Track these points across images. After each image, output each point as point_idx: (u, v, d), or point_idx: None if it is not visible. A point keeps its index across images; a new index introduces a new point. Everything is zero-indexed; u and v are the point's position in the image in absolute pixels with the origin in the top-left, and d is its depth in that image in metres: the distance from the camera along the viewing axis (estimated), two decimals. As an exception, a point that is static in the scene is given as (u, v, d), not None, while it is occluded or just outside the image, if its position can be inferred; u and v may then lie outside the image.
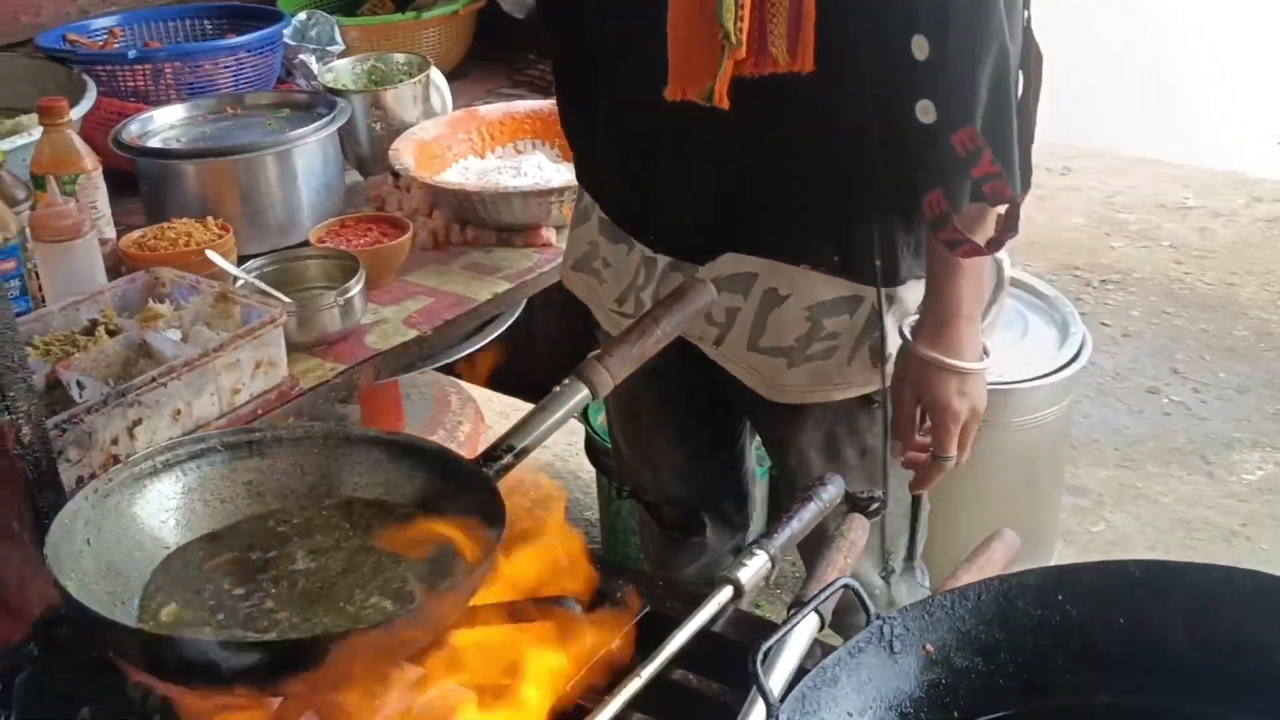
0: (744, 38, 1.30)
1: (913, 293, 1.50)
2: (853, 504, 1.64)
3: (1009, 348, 2.52)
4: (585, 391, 1.30)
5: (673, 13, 1.34)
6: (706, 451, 1.80)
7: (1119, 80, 5.57)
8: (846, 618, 1.22)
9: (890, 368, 1.53)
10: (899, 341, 1.50)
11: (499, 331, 2.16)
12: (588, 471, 2.74)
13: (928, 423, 1.51)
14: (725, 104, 1.34)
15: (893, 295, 1.49)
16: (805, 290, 1.48)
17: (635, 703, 1.07)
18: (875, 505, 1.63)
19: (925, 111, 1.30)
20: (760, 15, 1.29)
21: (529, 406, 1.31)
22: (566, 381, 1.30)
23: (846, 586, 0.97)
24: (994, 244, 1.40)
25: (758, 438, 1.88)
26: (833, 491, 1.31)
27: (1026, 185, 1.36)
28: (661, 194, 1.51)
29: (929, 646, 0.97)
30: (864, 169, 1.41)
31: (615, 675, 1.10)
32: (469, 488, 1.21)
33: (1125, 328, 3.93)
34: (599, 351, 1.32)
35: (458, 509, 1.20)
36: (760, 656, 0.90)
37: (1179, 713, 0.95)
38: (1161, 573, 0.97)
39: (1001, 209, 1.37)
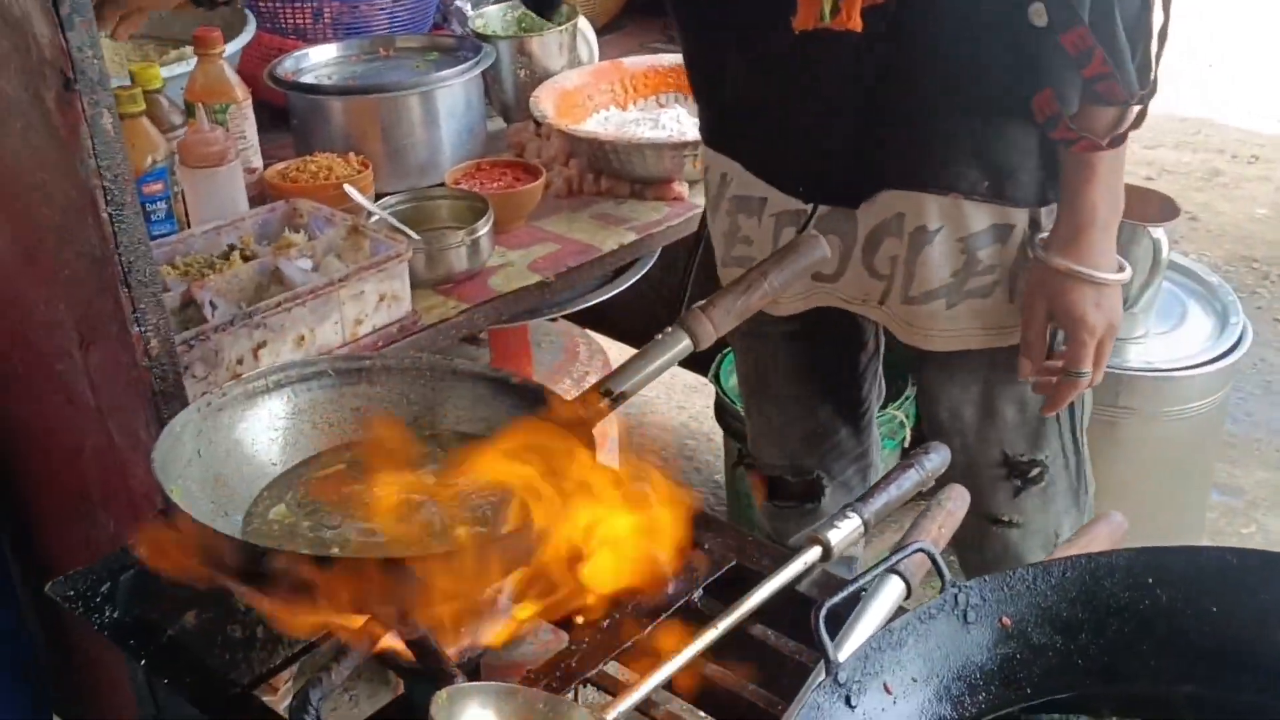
0: None
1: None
2: (1010, 468, 1.60)
3: (1163, 334, 2.42)
4: (687, 341, 1.29)
5: None
6: (835, 419, 1.78)
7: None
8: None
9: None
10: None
11: (629, 283, 2.16)
12: (720, 433, 2.73)
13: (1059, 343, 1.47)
14: (857, 25, 1.31)
15: (1037, 217, 1.45)
16: (956, 220, 1.44)
17: (712, 652, 1.07)
18: (1037, 470, 1.59)
19: (1038, 15, 1.29)
20: None
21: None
22: (669, 330, 1.30)
23: (921, 550, 0.94)
24: (1115, 140, 1.36)
25: (880, 404, 1.85)
26: (936, 461, 1.27)
27: (1144, 85, 1.33)
28: (803, 137, 1.48)
29: (1006, 619, 0.94)
30: (995, 80, 1.38)
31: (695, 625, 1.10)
32: (567, 426, 1.22)
33: (1301, 325, 3.73)
34: (703, 302, 1.31)
35: (554, 447, 1.21)
36: (823, 613, 0.88)
37: (1268, 711, 0.90)
38: (1261, 562, 0.92)
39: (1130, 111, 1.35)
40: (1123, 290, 1.46)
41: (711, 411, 2.73)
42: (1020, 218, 1.44)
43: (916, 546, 0.95)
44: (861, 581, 0.92)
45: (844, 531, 1.15)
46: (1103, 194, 1.38)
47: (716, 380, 2.65)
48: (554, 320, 2.48)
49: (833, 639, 0.91)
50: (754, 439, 1.86)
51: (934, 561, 0.94)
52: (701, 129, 1.64)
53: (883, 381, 1.83)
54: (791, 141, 1.49)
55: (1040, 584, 0.94)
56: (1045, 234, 1.44)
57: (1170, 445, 2.42)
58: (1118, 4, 1.28)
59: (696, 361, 2.79)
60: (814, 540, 1.14)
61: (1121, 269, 1.43)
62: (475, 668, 1.15)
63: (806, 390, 1.74)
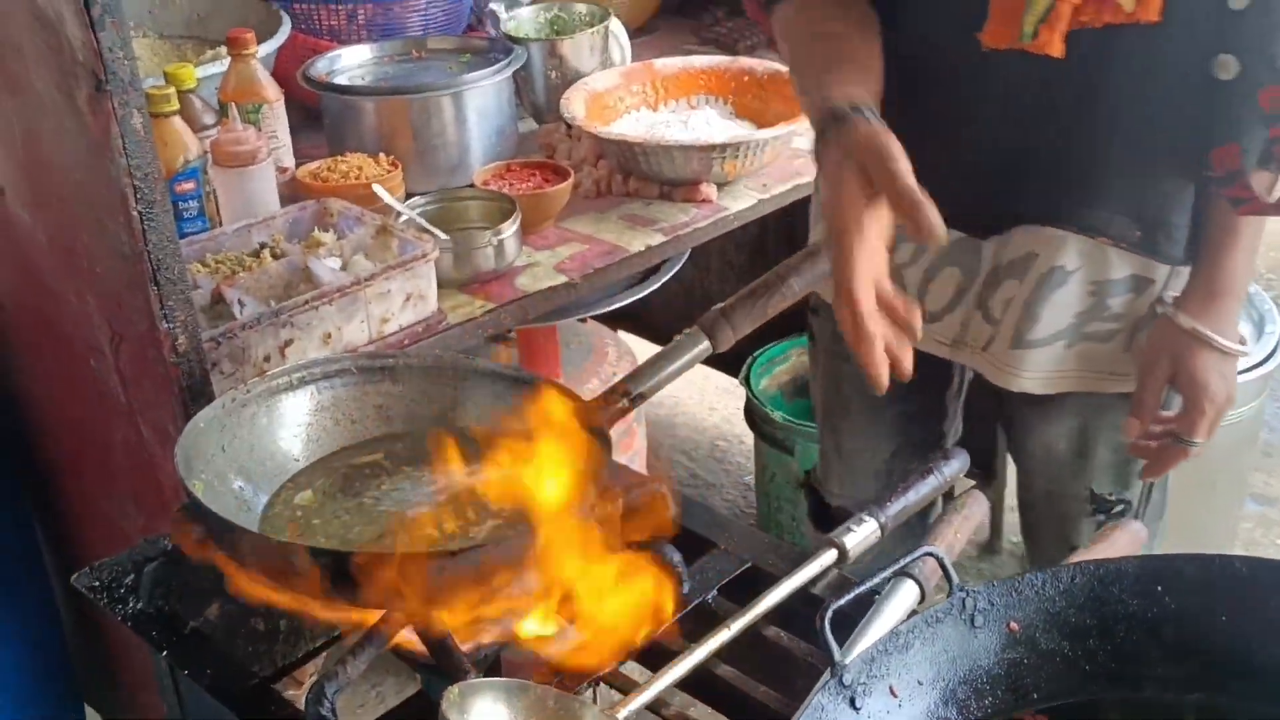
0: None
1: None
2: (1097, 504, 1.58)
3: (1196, 341, 2.40)
4: (706, 343, 1.29)
5: None
6: (910, 453, 1.71)
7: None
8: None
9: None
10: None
11: (659, 284, 2.17)
12: (751, 436, 2.74)
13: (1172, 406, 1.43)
14: (1058, 50, 1.25)
15: (1177, 275, 1.40)
16: (1096, 264, 1.39)
17: (724, 653, 1.08)
18: (1121, 508, 1.58)
19: (1224, 68, 1.22)
20: None
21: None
22: (688, 331, 1.30)
23: (930, 554, 0.94)
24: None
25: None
26: (955, 466, 1.27)
27: None
28: (950, 155, 1.39)
29: (1014, 624, 0.94)
30: (1166, 129, 1.32)
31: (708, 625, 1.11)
32: (585, 427, 1.23)
33: (1344, 334, 3.67)
34: (723, 305, 1.31)
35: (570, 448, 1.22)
36: (828, 615, 0.89)
37: (1276, 721, 0.89)
38: (1270, 572, 0.92)
39: None
40: None
41: (742, 414, 2.74)
42: (1162, 273, 1.39)
43: (925, 550, 0.95)
44: (869, 585, 0.93)
45: (860, 535, 1.16)
46: (1244, 259, 1.35)
47: (747, 383, 2.66)
48: (583, 321, 2.50)
49: (842, 642, 0.92)
50: (823, 461, 1.80)
51: (942, 566, 0.94)
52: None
53: (960, 421, 1.77)
54: (937, 154, 1.38)
55: (1049, 590, 0.94)
56: (1175, 292, 1.39)
57: (1204, 454, 2.39)
58: None
59: (728, 363, 2.81)
60: (830, 543, 1.15)
61: (1243, 341, 1.39)
62: (495, 663, 1.16)
63: (884, 419, 1.67)
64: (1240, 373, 2.30)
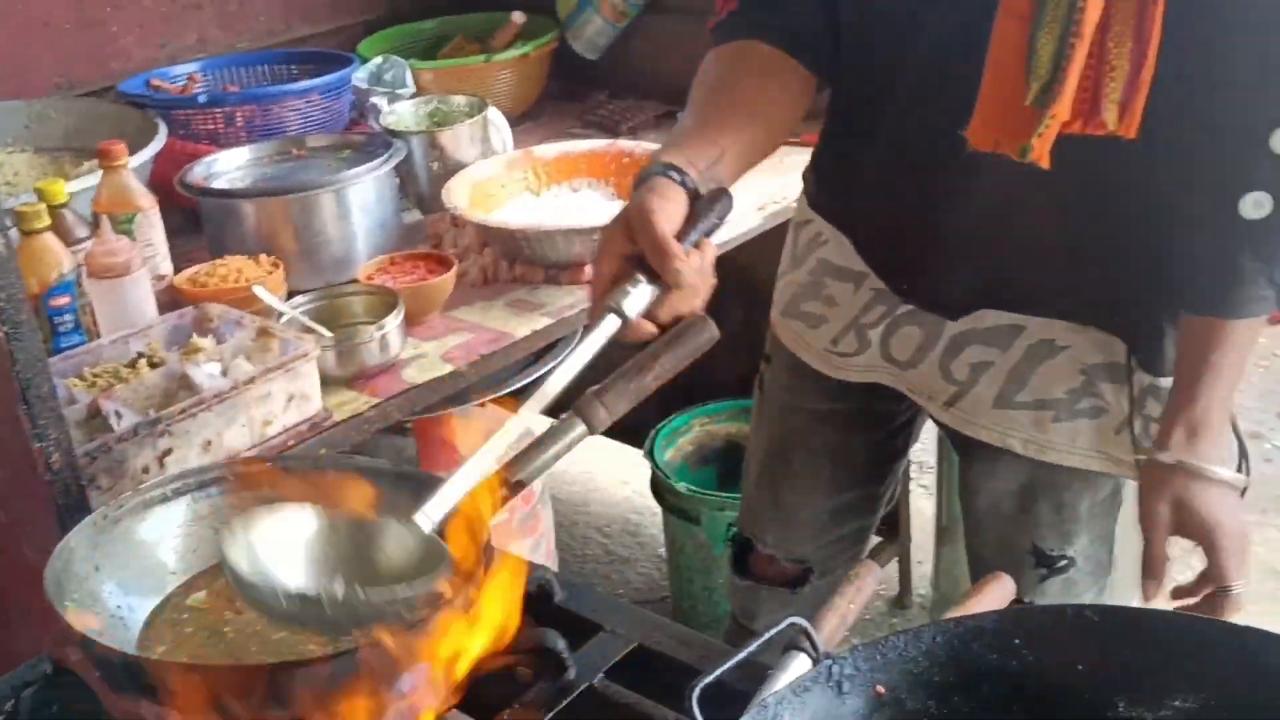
0: (1070, 95, 1.21)
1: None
2: (1039, 558, 1.60)
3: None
4: (582, 428, 1.31)
5: (993, 55, 1.23)
6: (847, 511, 1.73)
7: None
8: None
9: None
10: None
11: (555, 364, 2.18)
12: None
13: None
14: (1045, 161, 1.24)
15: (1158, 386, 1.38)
16: (1083, 347, 1.40)
17: (568, 715, 1.09)
18: (1064, 563, 1.59)
19: (1256, 206, 1.21)
20: (1098, 71, 1.21)
21: (595, 437, 1.32)
22: (564, 418, 1.32)
23: (794, 623, 0.96)
24: None
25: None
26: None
27: None
28: (929, 245, 1.42)
29: (880, 688, 0.95)
30: (1160, 252, 1.32)
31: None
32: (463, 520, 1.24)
33: (1232, 369, 3.79)
34: (597, 388, 1.33)
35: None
36: (696, 693, 0.90)
37: (1138, 766, 0.92)
38: (1122, 619, 0.94)
39: None
40: None
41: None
42: (1145, 379, 1.38)
43: (789, 621, 0.96)
44: (734, 660, 0.94)
45: (637, 295, 1.23)
46: (1224, 393, 1.29)
47: (651, 456, 2.67)
48: (482, 405, 2.50)
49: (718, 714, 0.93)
50: (755, 512, 1.77)
51: (807, 635, 0.96)
52: (813, 184, 1.58)
53: (898, 486, 1.81)
54: (915, 244, 1.44)
55: (911, 650, 0.96)
56: (1154, 414, 1.35)
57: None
58: None
59: (634, 435, 2.83)
60: (608, 308, 1.23)
61: (1242, 467, 1.34)
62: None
63: (825, 475, 1.69)
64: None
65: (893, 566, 2.76)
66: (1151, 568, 1.36)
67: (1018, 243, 1.37)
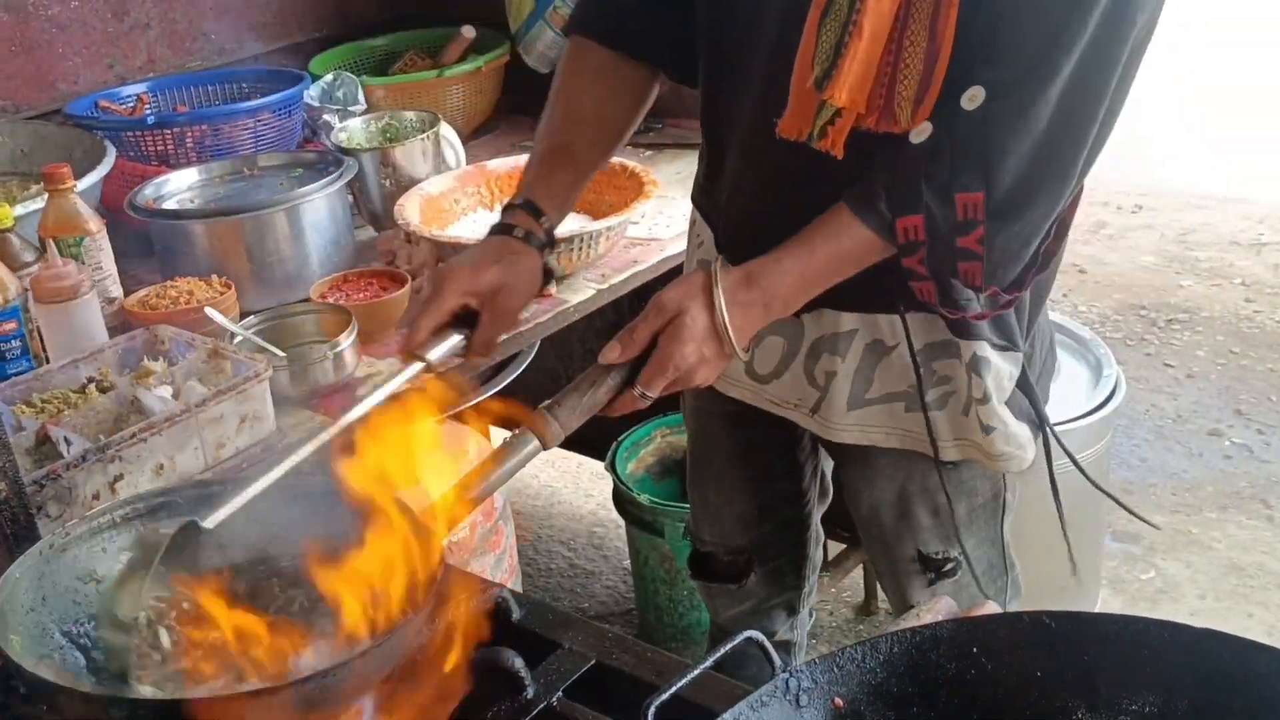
0: (849, 84, 1.27)
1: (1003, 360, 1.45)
2: (924, 563, 1.62)
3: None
4: (535, 443, 1.31)
5: (801, 45, 1.30)
6: (774, 505, 1.78)
7: (1196, 116, 5.46)
8: None
9: (1000, 443, 1.47)
10: (1001, 409, 1.45)
11: (512, 377, 2.17)
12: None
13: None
14: (839, 153, 1.31)
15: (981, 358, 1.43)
16: (913, 333, 1.44)
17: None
18: (950, 565, 1.62)
19: (920, 132, 1.27)
20: (892, 74, 1.27)
21: (556, 450, 1.33)
22: (516, 433, 1.31)
23: (750, 639, 0.95)
24: (961, 322, 1.37)
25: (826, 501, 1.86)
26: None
27: (1000, 282, 1.32)
28: (766, 235, 1.43)
29: (838, 700, 0.95)
30: None
31: None
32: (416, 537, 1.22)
33: (1190, 368, 3.83)
34: (549, 402, 1.32)
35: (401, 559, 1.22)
36: (652, 709, 0.89)
37: (1095, 771, 0.91)
38: (1077, 624, 0.94)
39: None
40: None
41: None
42: (971, 346, 1.43)
43: (745, 635, 0.96)
44: (687, 677, 0.93)
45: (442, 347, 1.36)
46: (794, 272, 1.33)
47: (613, 468, 2.66)
48: (440, 422, 2.48)
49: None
50: (692, 512, 1.87)
51: (763, 649, 0.95)
52: (695, 181, 1.62)
53: (826, 478, 1.83)
54: (755, 235, 1.45)
55: (869, 661, 0.96)
56: (731, 267, 1.35)
57: (1061, 494, 2.45)
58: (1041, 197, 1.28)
59: (598, 447, 2.82)
60: (415, 358, 1.35)
61: (747, 349, 1.36)
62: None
63: (745, 473, 1.76)
64: (1080, 417, 2.41)
65: (857, 573, 2.76)
66: (626, 336, 1.33)
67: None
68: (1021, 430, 1.49)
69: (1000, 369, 1.45)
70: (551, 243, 1.48)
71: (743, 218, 1.50)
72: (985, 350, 1.43)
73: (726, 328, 1.31)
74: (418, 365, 1.35)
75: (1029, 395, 1.49)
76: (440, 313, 1.37)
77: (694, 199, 1.63)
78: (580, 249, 1.99)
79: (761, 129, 1.39)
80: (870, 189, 1.30)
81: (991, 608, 1.18)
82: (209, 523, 1.16)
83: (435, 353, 1.36)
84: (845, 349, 1.47)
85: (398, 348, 1.41)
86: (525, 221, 1.44)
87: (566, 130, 1.52)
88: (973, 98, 1.24)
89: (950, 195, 1.26)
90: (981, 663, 0.95)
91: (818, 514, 1.83)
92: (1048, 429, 1.53)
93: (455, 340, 1.38)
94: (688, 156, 2.48)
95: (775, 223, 1.44)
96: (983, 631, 0.96)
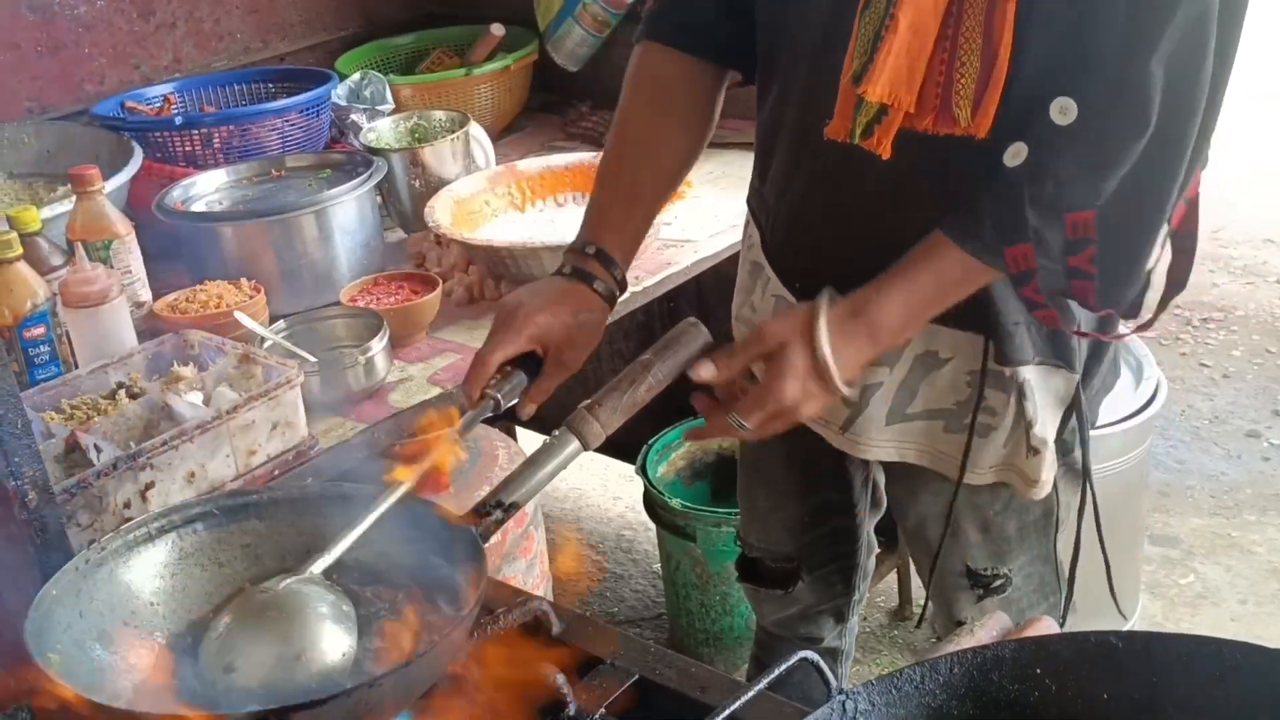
0: (886, 79, 1.24)
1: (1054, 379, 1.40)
2: (973, 579, 1.58)
3: (1079, 393, 2.43)
4: (576, 443, 1.28)
5: (851, 46, 1.27)
6: (823, 513, 1.74)
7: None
8: None
9: (1046, 469, 1.41)
10: (1048, 435, 1.40)
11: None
12: (653, 524, 2.71)
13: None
14: (885, 153, 1.26)
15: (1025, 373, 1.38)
16: (966, 354, 1.39)
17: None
18: (999, 582, 1.58)
19: (1016, 154, 1.22)
20: (948, 73, 1.23)
21: (586, 453, 1.31)
22: (556, 433, 1.29)
23: (804, 660, 0.92)
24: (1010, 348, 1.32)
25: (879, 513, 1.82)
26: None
27: (1116, 302, 1.27)
28: (818, 240, 1.43)
29: (896, 723, 0.92)
30: None
31: None
32: (458, 544, 1.20)
33: (1225, 368, 3.77)
34: (589, 402, 1.30)
35: (445, 568, 1.19)
36: (706, 733, 0.86)
37: (1164, 798, 0.88)
38: (1145, 644, 0.91)
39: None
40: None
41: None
42: (1021, 372, 1.37)
43: (799, 655, 0.92)
44: (738, 703, 0.90)
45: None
46: (901, 303, 1.29)
47: (643, 472, 2.63)
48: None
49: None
50: (742, 516, 1.84)
51: (818, 670, 0.92)
52: (750, 183, 1.59)
53: (879, 489, 1.78)
54: (800, 239, 1.45)
55: (928, 683, 0.92)
56: (838, 298, 1.31)
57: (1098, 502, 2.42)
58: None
59: (628, 451, 2.79)
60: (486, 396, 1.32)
61: (851, 384, 1.32)
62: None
63: (794, 481, 1.72)
64: (1120, 420, 2.36)
65: (892, 578, 2.73)
66: (722, 361, 1.31)
67: (889, 240, 1.34)
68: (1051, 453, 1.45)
69: (1050, 389, 1.40)
70: (620, 293, 1.45)
71: (789, 220, 1.46)
72: (1031, 373, 1.38)
73: (829, 365, 1.27)
74: (489, 405, 1.32)
75: (1078, 416, 1.43)
76: (510, 352, 1.34)
77: (748, 200, 1.60)
78: (613, 251, 1.95)
79: (808, 130, 1.36)
80: (971, 217, 1.25)
81: (1047, 623, 1.14)
82: (317, 568, 1.15)
83: (505, 393, 1.33)
84: (894, 358, 1.42)
85: (466, 381, 1.36)
86: (600, 273, 1.40)
87: (634, 167, 1.47)
88: (1063, 110, 1.19)
89: (1059, 215, 1.21)
90: (1045, 684, 0.92)
91: (869, 524, 1.79)
92: (1085, 451, 1.48)
93: (520, 380, 1.34)
94: (721, 157, 2.45)
95: (820, 228, 1.41)
96: (1046, 652, 0.92)
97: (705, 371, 1.31)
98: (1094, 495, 1.57)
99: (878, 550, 1.88)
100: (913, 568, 2.72)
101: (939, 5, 1.21)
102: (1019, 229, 1.22)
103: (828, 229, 1.40)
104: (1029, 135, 1.21)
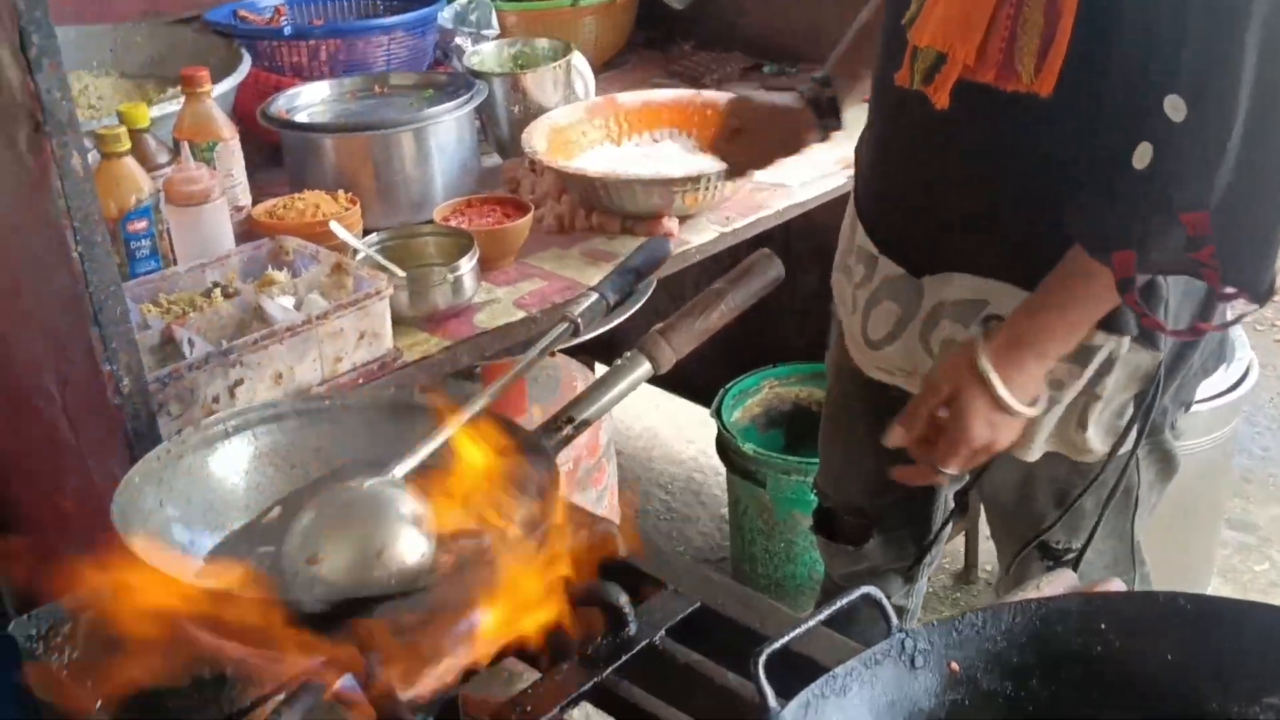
0: (936, 25, 1.26)
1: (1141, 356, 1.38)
2: (1044, 550, 1.57)
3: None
4: (647, 365, 1.30)
5: None
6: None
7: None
8: None
9: (1099, 440, 1.41)
10: (1110, 410, 1.39)
11: (625, 316, 2.15)
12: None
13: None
14: (942, 102, 1.29)
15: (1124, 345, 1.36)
16: None
17: (667, 694, 1.07)
18: (1071, 556, 1.57)
19: (1142, 156, 1.20)
20: (1012, 27, 1.24)
21: (656, 390, 1.33)
22: (628, 355, 1.30)
23: (866, 596, 0.92)
24: (1191, 330, 1.32)
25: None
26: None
27: (1253, 289, 1.23)
28: (892, 191, 1.45)
29: (954, 665, 0.92)
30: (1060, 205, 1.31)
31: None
32: (528, 457, 1.22)
33: (1320, 357, 3.68)
34: (662, 325, 1.31)
35: (515, 479, 1.22)
36: (762, 657, 0.87)
37: (1222, 762, 0.87)
38: (1216, 609, 0.90)
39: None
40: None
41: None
42: (1110, 344, 1.36)
43: (861, 591, 0.93)
44: (799, 630, 0.91)
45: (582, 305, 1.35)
46: (1059, 321, 1.30)
47: (719, 415, 2.64)
48: (551, 355, 2.48)
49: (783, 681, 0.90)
50: (819, 467, 1.85)
51: (880, 606, 0.92)
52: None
53: None
54: (881, 194, 1.47)
55: (989, 629, 0.92)
56: (993, 332, 1.34)
57: (1177, 483, 2.37)
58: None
59: (703, 394, 2.79)
60: (564, 319, 1.33)
61: (1034, 402, 1.34)
62: (447, 705, 1.14)
63: (874, 437, 1.66)
64: (1207, 399, 2.32)
65: (958, 540, 2.71)
66: (908, 418, 1.39)
67: (959, 194, 1.37)
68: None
69: (1135, 365, 1.38)
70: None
71: (872, 176, 1.48)
72: (1124, 347, 1.36)
73: (1006, 400, 1.30)
74: (568, 328, 1.35)
75: (1152, 396, 1.41)
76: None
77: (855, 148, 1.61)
78: (706, 190, 1.95)
79: (885, 77, 1.38)
80: (1102, 229, 1.25)
81: (1117, 584, 1.13)
82: (399, 471, 1.18)
83: (583, 317, 1.37)
84: (970, 318, 1.41)
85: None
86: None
87: None
88: (1175, 107, 1.17)
89: (1177, 217, 1.20)
90: (1109, 640, 0.91)
91: (948, 489, 1.77)
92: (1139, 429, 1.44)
93: (599, 305, 1.39)
94: (819, 103, 2.42)
95: (896, 178, 1.42)
96: (1113, 608, 0.92)
97: (895, 438, 1.39)
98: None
99: (951, 514, 1.87)
100: (983, 529, 2.70)
101: None
102: (1140, 234, 1.21)
103: (905, 189, 1.40)
104: (1148, 133, 1.19)
